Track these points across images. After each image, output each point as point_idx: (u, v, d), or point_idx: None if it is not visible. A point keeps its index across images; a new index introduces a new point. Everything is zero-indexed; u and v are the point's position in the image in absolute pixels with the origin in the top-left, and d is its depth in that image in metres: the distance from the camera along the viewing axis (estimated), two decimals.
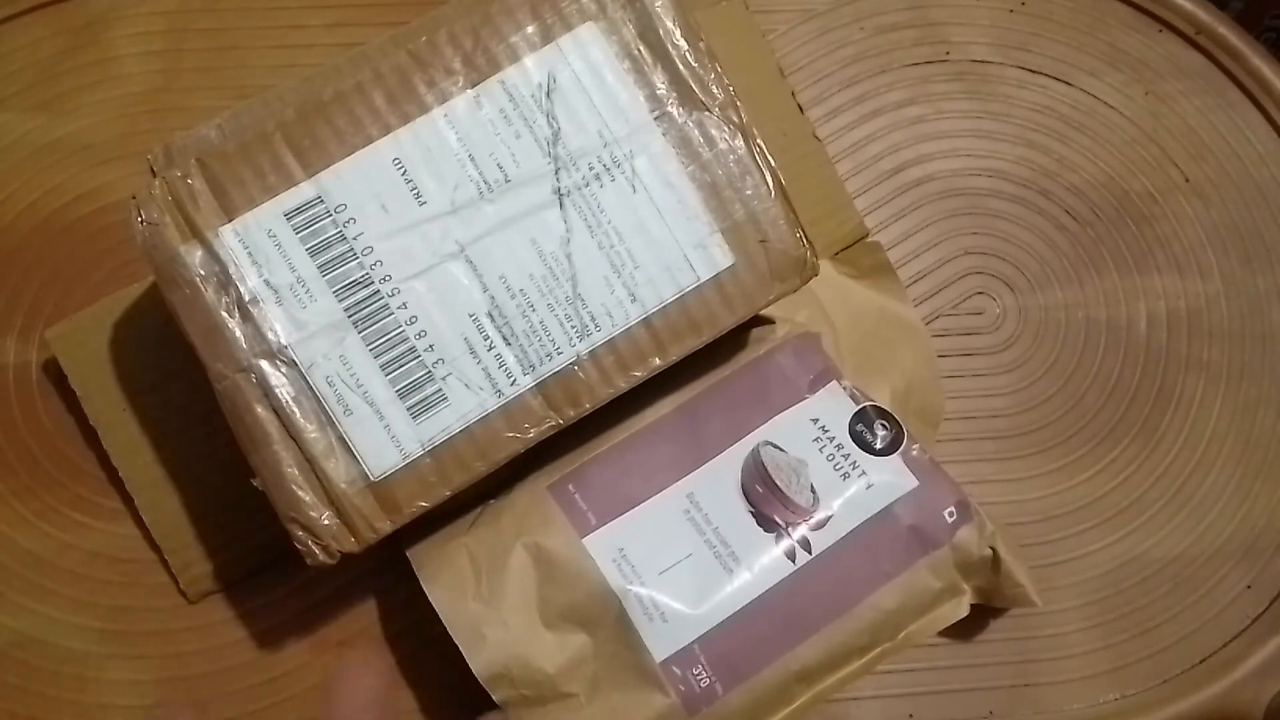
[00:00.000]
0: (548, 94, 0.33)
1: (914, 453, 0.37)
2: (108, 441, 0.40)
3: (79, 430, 0.41)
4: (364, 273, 0.32)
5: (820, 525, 0.36)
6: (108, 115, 0.45)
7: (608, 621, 0.35)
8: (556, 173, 0.33)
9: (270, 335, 0.32)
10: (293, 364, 0.32)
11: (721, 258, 0.34)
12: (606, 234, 0.33)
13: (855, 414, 0.38)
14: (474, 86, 0.33)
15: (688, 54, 0.33)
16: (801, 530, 0.36)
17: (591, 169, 0.33)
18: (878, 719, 0.41)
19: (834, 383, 0.39)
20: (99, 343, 0.39)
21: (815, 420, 0.38)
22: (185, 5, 0.47)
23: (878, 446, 0.37)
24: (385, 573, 0.41)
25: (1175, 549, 0.44)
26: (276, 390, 0.32)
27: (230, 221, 0.32)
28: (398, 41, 0.33)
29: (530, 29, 0.33)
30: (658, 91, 0.33)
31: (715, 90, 0.34)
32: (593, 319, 0.33)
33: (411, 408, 0.32)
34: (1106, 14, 0.50)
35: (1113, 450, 0.45)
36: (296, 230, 0.32)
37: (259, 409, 0.32)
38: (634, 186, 0.33)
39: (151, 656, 0.40)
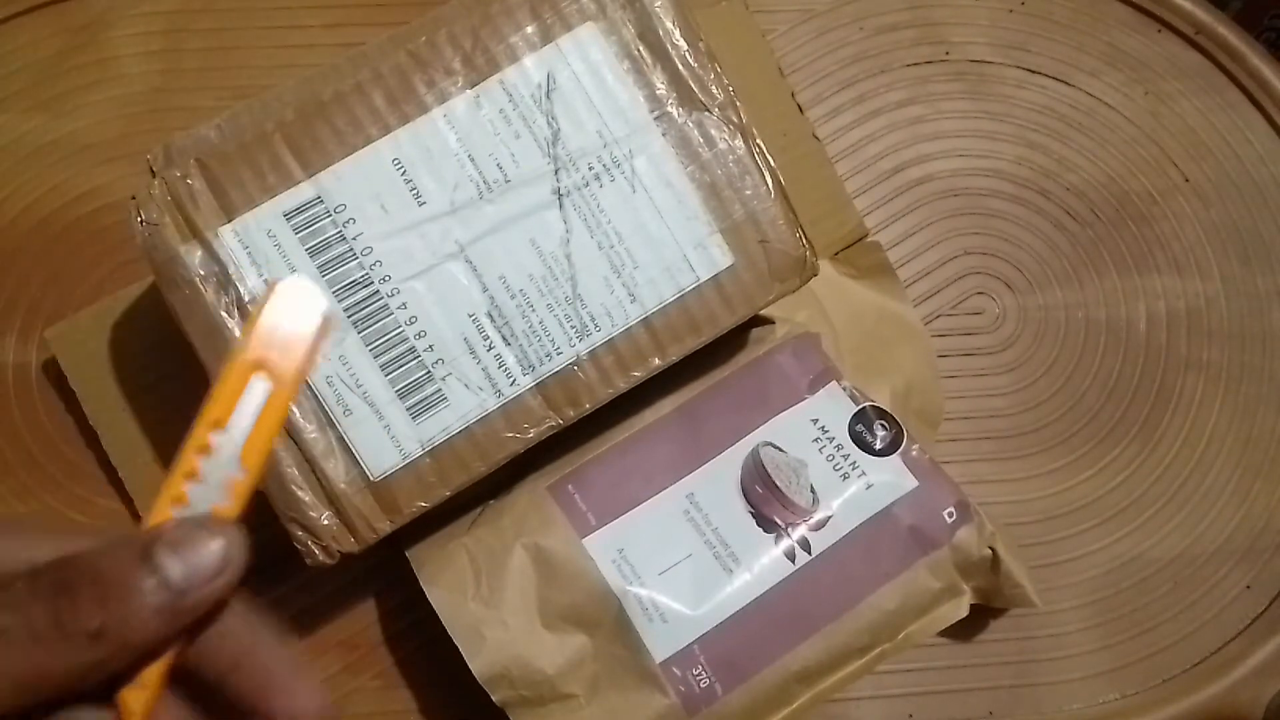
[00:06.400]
0: (547, 94, 0.33)
1: (914, 453, 0.37)
2: (107, 442, 0.39)
3: (78, 430, 0.41)
4: (363, 273, 0.32)
5: (820, 525, 0.36)
6: (107, 115, 0.45)
7: (607, 622, 0.35)
8: (556, 173, 0.33)
9: None
10: None
11: (721, 258, 0.34)
12: (606, 234, 0.33)
13: (855, 414, 0.38)
14: (474, 87, 0.33)
15: (687, 54, 0.33)
16: (801, 530, 0.36)
17: (591, 169, 0.33)
18: (878, 719, 0.41)
19: (834, 383, 0.39)
20: (98, 343, 0.39)
21: (815, 420, 0.38)
22: (185, 5, 0.47)
23: (877, 447, 0.37)
24: (385, 573, 0.40)
25: (1175, 549, 0.44)
26: None
27: (230, 222, 0.31)
28: (397, 41, 0.33)
29: (530, 29, 0.33)
30: (657, 91, 0.33)
31: (715, 90, 0.34)
32: (592, 319, 0.33)
33: (411, 408, 0.32)
34: (1106, 14, 0.50)
35: (1113, 450, 0.45)
36: (296, 230, 0.32)
37: None
38: (634, 186, 0.33)
39: None
